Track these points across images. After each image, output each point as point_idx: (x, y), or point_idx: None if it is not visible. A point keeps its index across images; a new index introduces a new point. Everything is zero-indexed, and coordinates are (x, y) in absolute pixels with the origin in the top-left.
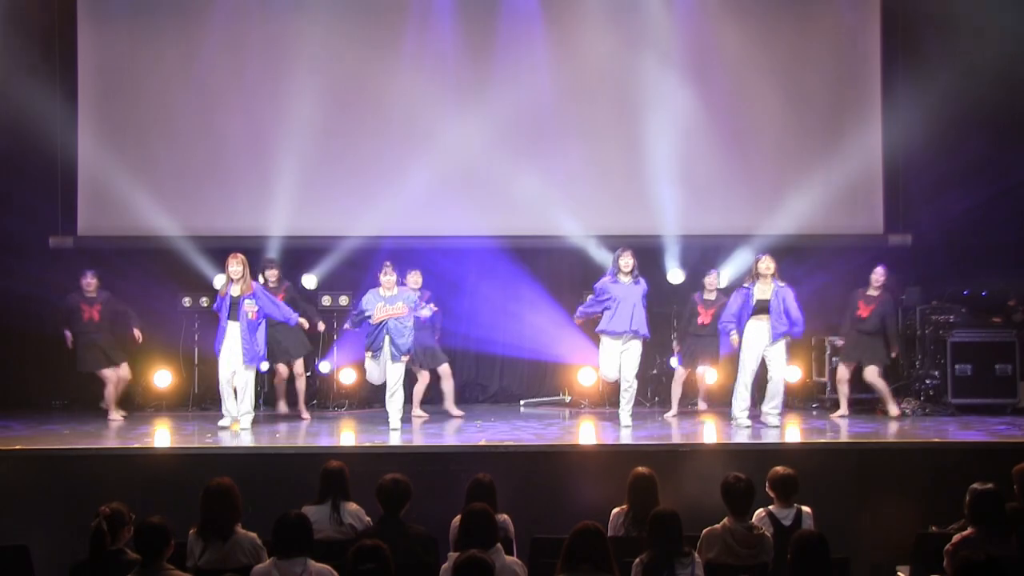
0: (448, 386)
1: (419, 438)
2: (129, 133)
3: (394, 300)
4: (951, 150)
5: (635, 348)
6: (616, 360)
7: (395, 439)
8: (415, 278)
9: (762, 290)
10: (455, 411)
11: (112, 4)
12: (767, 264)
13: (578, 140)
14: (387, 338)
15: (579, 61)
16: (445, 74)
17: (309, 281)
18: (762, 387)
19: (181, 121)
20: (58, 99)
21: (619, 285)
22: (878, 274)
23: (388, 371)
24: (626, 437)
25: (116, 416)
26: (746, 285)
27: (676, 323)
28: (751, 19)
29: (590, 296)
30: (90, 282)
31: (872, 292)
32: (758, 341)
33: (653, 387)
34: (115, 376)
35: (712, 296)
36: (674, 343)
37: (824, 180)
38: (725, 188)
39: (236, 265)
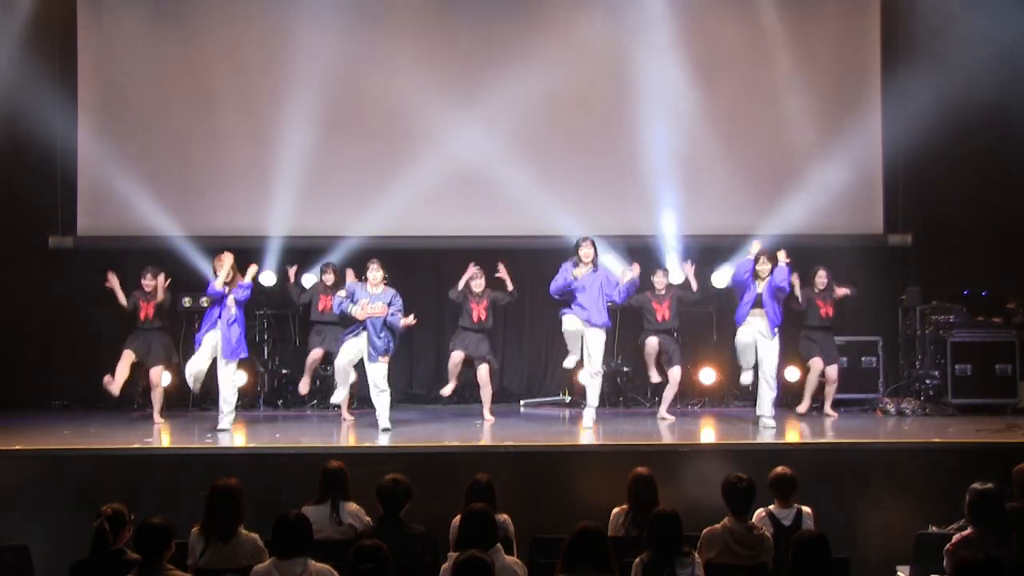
0: (484, 393)
1: (419, 438)
2: (129, 133)
3: (376, 299)
4: (951, 150)
5: (598, 335)
6: (580, 339)
7: (385, 439)
8: (480, 281)
9: (759, 285)
10: (489, 417)
11: (112, 5)
12: (764, 267)
13: (578, 140)
14: (365, 334)
15: (579, 61)
16: (445, 74)
17: (308, 280)
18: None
19: (181, 121)
20: (58, 99)
21: (580, 271)
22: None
23: (369, 371)
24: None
25: (158, 419)
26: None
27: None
28: (751, 18)
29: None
30: (149, 284)
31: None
32: (750, 335)
33: (653, 387)
34: (157, 379)
35: (663, 291)
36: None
37: (824, 180)
38: (725, 188)
39: (223, 268)
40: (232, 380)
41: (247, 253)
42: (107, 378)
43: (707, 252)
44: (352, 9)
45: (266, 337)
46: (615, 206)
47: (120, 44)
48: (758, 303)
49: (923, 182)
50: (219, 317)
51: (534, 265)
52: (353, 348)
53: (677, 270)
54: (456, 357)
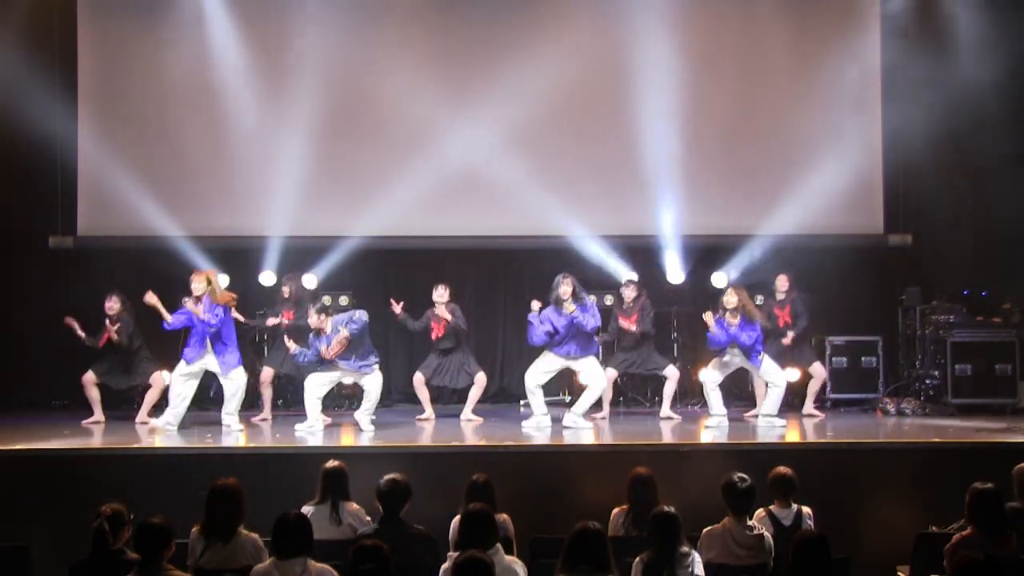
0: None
1: (419, 438)
2: (129, 133)
3: (331, 338)
4: (951, 150)
5: (589, 363)
6: (547, 375)
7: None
8: (442, 292)
9: (731, 324)
10: (472, 417)
11: (112, 4)
12: (729, 299)
13: (578, 140)
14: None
15: (579, 61)
16: (445, 74)
17: (309, 281)
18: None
19: (181, 121)
20: (58, 99)
21: (562, 317)
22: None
23: (363, 385)
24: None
25: (144, 419)
26: (718, 316)
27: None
28: (751, 19)
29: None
30: (111, 306)
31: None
32: (729, 364)
33: (653, 387)
34: (159, 381)
35: (631, 304)
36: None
37: (824, 180)
38: (725, 188)
39: (200, 282)
40: (239, 389)
41: (247, 253)
42: (85, 423)
43: (707, 252)
44: (352, 9)
45: (265, 337)
46: (615, 206)
47: (120, 44)
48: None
49: (923, 182)
50: (205, 339)
51: (534, 265)
52: (329, 380)
53: (676, 270)
54: (417, 380)
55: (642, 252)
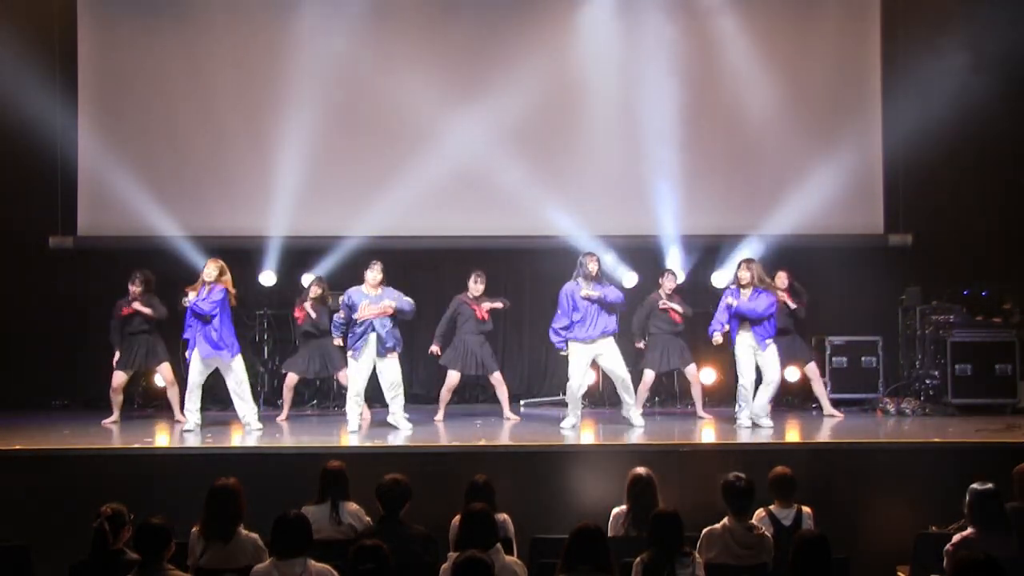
0: (501, 392)
1: (419, 438)
2: (129, 133)
3: (379, 299)
4: (951, 150)
5: (611, 347)
6: (586, 368)
7: (399, 439)
8: (479, 284)
9: (742, 294)
10: (511, 415)
11: (113, 4)
12: (743, 273)
13: (578, 140)
14: (373, 336)
15: (579, 61)
16: (445, 74)
17: (307, 281)
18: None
19: (182, 121)
20: (58, 99)
21: (585, 290)
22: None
23: (381, 369)
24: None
25: (180, 418)
26: (732, 286)
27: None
28: (751, 19)
29: (559, 312)
30: (135, 289)
31: None
32: (748, 348)
33: (653, 386)
34: (169, 379)
35: (671, 296)
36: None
37: (824, 180)
38: (725, 188)
39: (214, 268)
40: (243, 374)
41: (247, 253)
42: (106, 423)
43: (707, 252)
44: (352, 10)
45: (266, 337)
46: (615, 206)
47: (120, 43)
48: (744, 316)
49: (923, 182)
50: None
51: (533, 265)
52: (364, 368)
53: (676, 270)
54: (453, 378)
55: (642, 252)
